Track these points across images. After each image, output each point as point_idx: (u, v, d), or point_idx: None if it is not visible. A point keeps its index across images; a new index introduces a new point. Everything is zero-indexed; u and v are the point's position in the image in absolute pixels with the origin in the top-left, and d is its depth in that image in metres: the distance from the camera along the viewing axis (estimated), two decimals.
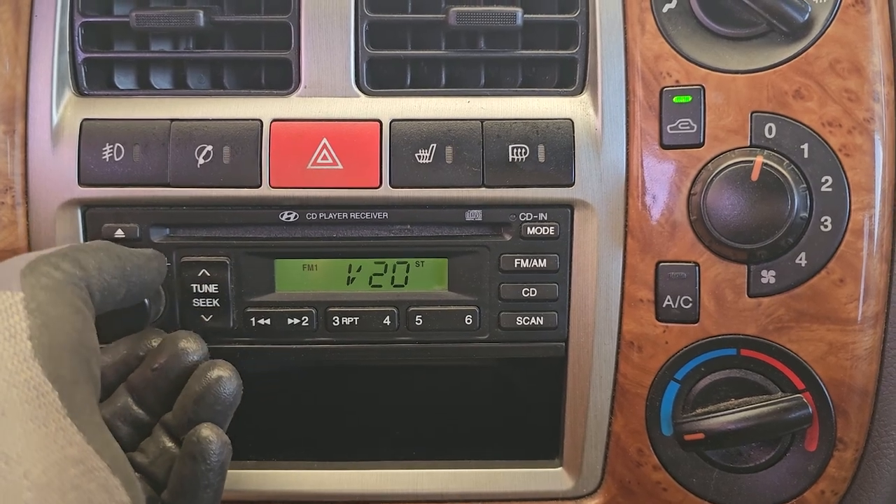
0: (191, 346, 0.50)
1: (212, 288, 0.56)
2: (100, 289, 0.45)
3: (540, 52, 0.57)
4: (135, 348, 0.51)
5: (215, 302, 0.56)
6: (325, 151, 0.55)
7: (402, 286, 0.57)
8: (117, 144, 0.55)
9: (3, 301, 0.39)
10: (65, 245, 0.47)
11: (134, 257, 0.49)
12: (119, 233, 0.56)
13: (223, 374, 0.49)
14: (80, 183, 0.55)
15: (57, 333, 0.39)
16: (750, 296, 0.54)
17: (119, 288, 0.47)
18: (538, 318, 0.57)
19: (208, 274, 0.56)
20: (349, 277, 0.57)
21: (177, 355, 0.49)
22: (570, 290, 0.56)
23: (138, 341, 0.51)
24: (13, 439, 0.34)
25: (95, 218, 0.56)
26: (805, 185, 0.52)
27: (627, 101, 0.55)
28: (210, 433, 0.47)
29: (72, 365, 0.39)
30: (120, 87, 0.59)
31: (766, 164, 0.51)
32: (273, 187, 0.55)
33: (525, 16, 0.56)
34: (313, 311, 0.57)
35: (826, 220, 0.52)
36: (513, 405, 0.66)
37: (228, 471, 0.48)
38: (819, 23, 0.53)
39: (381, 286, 0.58)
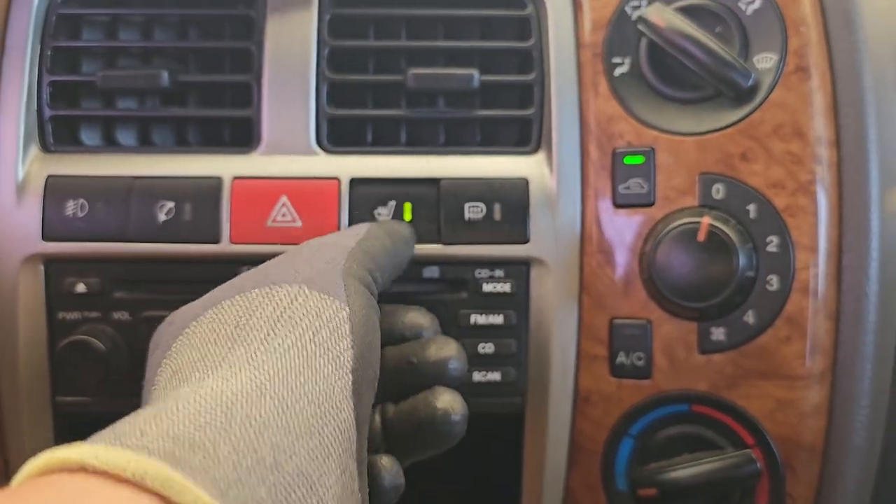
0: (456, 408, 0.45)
1: None
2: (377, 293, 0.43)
3: (497, 112, 0.59)
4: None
5: None
6: (284, 208, 0.56)
7: None
8: (81, 200, 0.56)
9: (332, 313, 0.37)
10: (356, 230, 0.46)
11: (403, 247, 0.48)
12: (80, 287, 0.56)
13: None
14: (44, 238, 0.56)
15: (367, 368, 0.37)
16: (701, 352, 0.55)
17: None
18: (495, 374, 0.58)
19: None
20: None
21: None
22: (526, 346, 0.57)
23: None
24: (329, 483, 0.33)
25: (58, 272, 0.56)
26: (751, 245, 0.53)
27: (582, 161, 0.57)
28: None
29: (368, 403, 0.37)
30: (86, 142, 0.60)
31: (712, 225, 0.52)
32: (233, 243, 0.56)
33: (482, 77, 0.58)
34: None
35: (772, 279, 0.54)
36: (472, 462, 0.66)
37: None
38: (764, 88, 0.54)
39: None
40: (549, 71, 0.58)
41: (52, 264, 0.56)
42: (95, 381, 0.54)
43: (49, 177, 0.56)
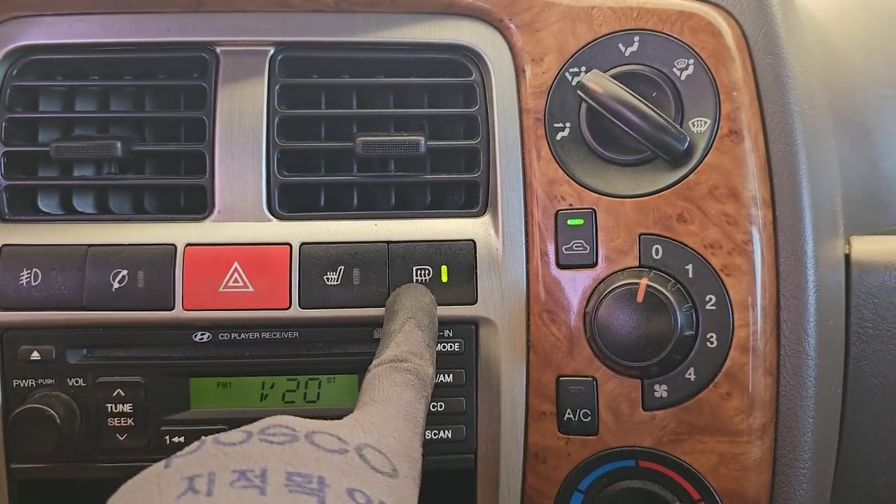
0: None
1: (127, 407, 0.58)
2: None
3: (444, 176, 0.60)
4: None
5: (130, 421, 0.58)
6: (236, 274, 0.57)
7: (315, 402, 0.59)
8: (35, 269, 0.57)
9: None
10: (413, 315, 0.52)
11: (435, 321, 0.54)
12: (35, 355, 0.57)
13: None
14: None
15: None
16: (644, 409, 0.56)
17: None
18: (447, 432, 0.58)
19: (123, 394, 0.57)
20: (262, 394, 0.59)
21: None
22: (476, 403, 0.58)
23: None
24: None
25: (12, 340, 0.57)
26: (690, 304, 0.55)
27: (526, 223, 0.58)
28: None
29: None
30: (44, 209, 0.61)
31: (650, 286, 0.54)
32: (186, 309, 0.57)
33: (428, 143, 0.59)
34: (227, 427, 0.58)
35: (712, 337, 0.55)
36: None
37: None
38: (698, 151, 0.56)
39: (293, 402, 0.59)
40: (494, 136, 0.60)
41: (6, 332, 0.57)
42: (50, 447, 0.55)
43: (3, 246, 0.57)
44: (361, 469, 0.40)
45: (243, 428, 0.42)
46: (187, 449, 0.40)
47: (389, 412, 0.45)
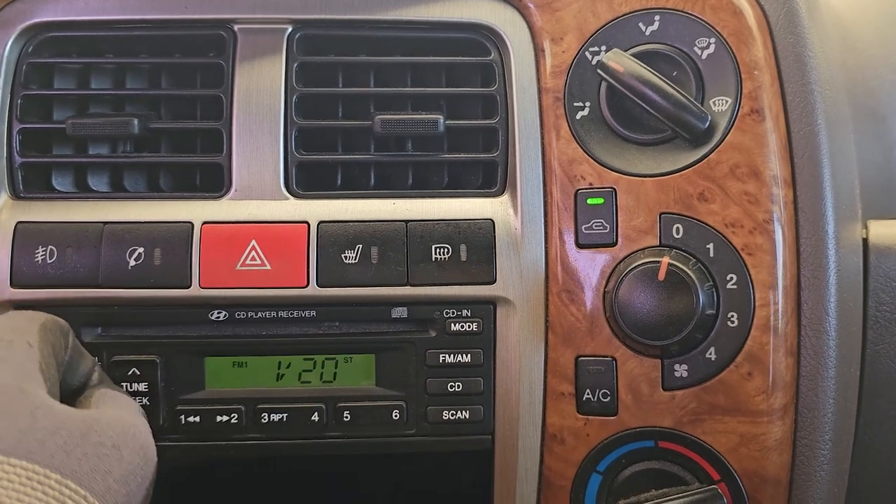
0: None
1: (142, 386, 0.57)
2: None
3: (462, 155, 0.60)
4: None
5: (145, 400, 0.57)
6: (253, 252, 0.57)
7: (331, 382, 0.59)
8: (50, 247, 0.56)
9: None
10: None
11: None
12: None
13: None
14: (13, 285, 0.56)
15: None
16: (664, 389, 0.56)
17: None
18: (464, 412, 0.58)
19: (138, 373, 0.57)
20: (278, 374, 0.59)
21: None
22: (494, 384, 0.58)
23: None
24: None
25: None
26: (711, 283, 0.55)
27: (545, 203, 0.58)
28: None
29: None
30: (58, 188, 0.60)
31: (671, 265, 0.53)
32: (203, 287, 0.56)
33: (447, 122, 0.59)
34: (242, 408, 0.58)
35: (733, 317, 0.55)
36: (443, 499, 0.66)
37: None
38: (720, 130, 0.56)
39: (310, 382, 0.59)
40: (513, 115, 0.59)
41: None
42: None
43: (18, 223, 0.57)
44: None
45: None
46: None
47: None
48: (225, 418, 0.58)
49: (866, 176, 0.71)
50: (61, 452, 0.40)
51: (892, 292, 0.63)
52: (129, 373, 0.57)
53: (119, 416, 0.46)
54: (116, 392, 0.51)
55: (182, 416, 0.58)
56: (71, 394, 0.50)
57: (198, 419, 0.58)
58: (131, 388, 0.57)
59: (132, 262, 0.56)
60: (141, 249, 0.56)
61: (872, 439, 0.66)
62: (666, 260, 0.53)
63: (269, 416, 0.58)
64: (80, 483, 0.39)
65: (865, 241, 0.64)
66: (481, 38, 0.61)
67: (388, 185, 0.61)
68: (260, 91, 0.59)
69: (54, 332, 0.49)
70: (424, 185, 0.61)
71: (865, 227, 0.65)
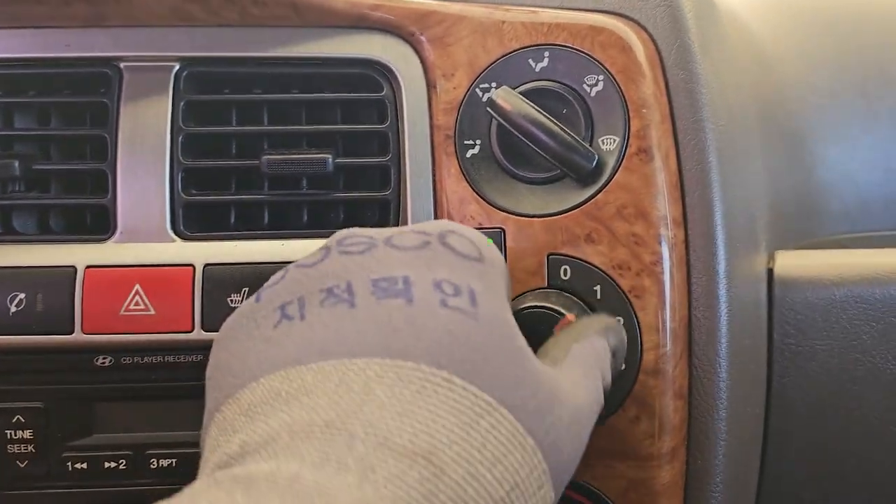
0: None
1: (27, 434, 0.56)
2: None
3: (353, 194, 0.59)
4: None
5: (31, 448, 0.56)
6: (137, 297, 0.56)
7: None
8: None
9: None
10: None
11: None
12: None
13: None
14: None
15: None
16: None
17: None
18: None
19: (23, 420, 0.56)
20: (167, 419, 0.58)
21: None
22: None
23: None
24: None
25: None
26: None
27: None
28: None
29: None
30: None
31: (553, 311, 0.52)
32: (86, 333, 0.55)
33: (337, 160, 0.58)
34: (131, 453, 0.57)
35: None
36: None
37: None
38: (607, 170, 0.55)
39: (199, 426, 0.58)
40: (405, 153, 0.58)
41: None
42: None
43: None
44: (446, 257, 0.39)
45: (321, 246, 0.42)
46: (273, 279, 0.42)
47: None
48: (113, 464, 0.57)
49: (782, 201, 0.71)
50: (537, 415, 0.36)
51: (797, 324, 0.63)
52: (14, 420, 0.56)
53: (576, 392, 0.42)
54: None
55: (69, 463, 0.57)
56: None
57: (85, 465, 0.57)
58: (16, 435, 0.56)
59: (13, 308, 0.55)
60: (22, 295, 0.55)
61: (781, 471, 0.65)
62: (570, 318, 0.52)
63: (157, 462, 0.57)
64: (545, 456, 0.36)
65: (771, 271, 0.64)
66: (374, 74, 0.60)
67: (284, 225, 0.60)
68: (146, 131, 0.58)
69: None
70: (321, 224, 0.60)
71: (772, 257, 0.65)
